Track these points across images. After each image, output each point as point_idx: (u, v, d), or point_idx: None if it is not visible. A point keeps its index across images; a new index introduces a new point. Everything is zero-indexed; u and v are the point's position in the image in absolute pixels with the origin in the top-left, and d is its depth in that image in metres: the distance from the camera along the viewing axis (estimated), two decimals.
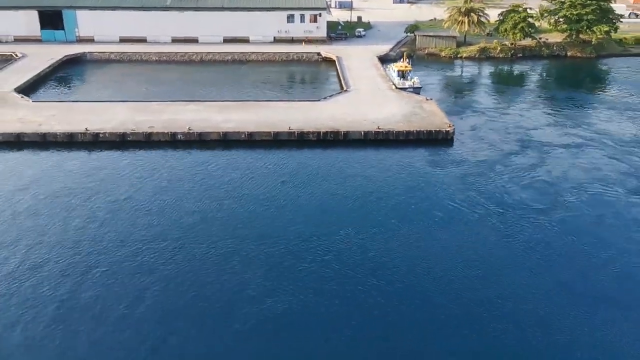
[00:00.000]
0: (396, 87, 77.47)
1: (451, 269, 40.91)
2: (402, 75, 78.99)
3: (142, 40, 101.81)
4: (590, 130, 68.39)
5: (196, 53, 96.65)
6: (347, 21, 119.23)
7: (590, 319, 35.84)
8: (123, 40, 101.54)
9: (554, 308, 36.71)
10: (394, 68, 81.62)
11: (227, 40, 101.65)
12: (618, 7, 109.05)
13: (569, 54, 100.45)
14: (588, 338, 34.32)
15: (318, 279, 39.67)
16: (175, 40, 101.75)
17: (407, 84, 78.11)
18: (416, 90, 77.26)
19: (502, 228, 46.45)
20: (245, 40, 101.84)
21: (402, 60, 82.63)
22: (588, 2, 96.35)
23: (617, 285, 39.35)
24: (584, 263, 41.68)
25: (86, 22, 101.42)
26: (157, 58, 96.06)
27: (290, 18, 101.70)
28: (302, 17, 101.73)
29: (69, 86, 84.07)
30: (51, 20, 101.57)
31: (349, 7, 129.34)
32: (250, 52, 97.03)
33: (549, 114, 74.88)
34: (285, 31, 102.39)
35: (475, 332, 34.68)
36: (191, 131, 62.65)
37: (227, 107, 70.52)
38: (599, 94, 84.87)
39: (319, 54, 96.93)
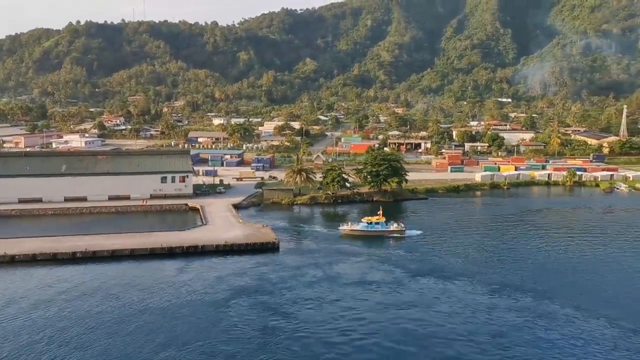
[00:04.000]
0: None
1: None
2: (382, 223, 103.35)
3: (38, 200, 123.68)
4: (380, 254, 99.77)
5: (86, 207, 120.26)
6: (212, 183, 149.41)
7: None
8: (21, 200, 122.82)
9: None
10: (367, 221, 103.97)
11: (111, 198, 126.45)
12: None
13: (374, 199, 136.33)
14: None
15: None
16: (67, 199, 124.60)
17: (394, 226, 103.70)
18: (401, 232, 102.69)
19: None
20: (126, 197, 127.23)
21: (378, 214, 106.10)
22: (382, 162, 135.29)
23: None
24: None
25: None
26: (52, 212, 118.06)
27: (163, 179, 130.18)
28: (173, 178, 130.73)
29: None
30: None
31: (214, 174, 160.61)
32: (131, 205, 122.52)
33: (357, 238, 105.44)
34: (160, 189, 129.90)
35: None
36: (87, 250, 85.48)
37: (114, 236, 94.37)
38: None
39: (186, 204, 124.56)
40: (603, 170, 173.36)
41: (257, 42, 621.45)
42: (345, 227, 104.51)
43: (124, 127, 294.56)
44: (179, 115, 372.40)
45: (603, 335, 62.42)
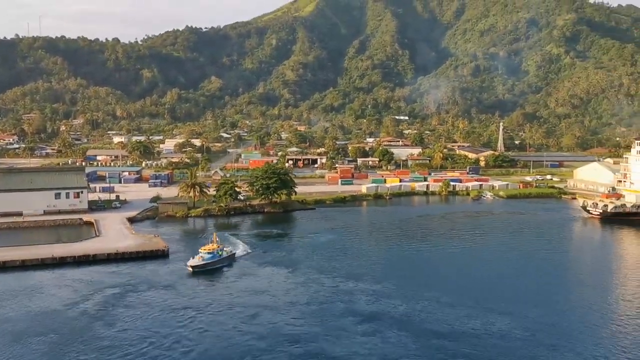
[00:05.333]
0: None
1: None
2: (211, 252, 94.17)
3: None
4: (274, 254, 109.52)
5: None
6: (108, 199, 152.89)
7: None
8: None
9: None
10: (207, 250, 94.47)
11: (3, 214, 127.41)
12: None
13: (266, 210, 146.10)
14: None
15: None
16: None
17: (228, 252, 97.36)
18: (232, 257, 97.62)
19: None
20: (19, 214, 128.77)
21: (214, 240, 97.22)
22: (272, 175, 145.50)
23: None
24: None
25: None
26: None
27: (57, 195, 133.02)
28: (68, 194, 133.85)
29: None
30: None
31: (110, 190, 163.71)
32: (23, 221, 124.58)
33: (243, 240, 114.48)
34: (54, 205, 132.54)
35: None
36: None
37: (6, 249, 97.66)
38: (281, 232, 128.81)
39: (81, 219, 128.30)
40: (475, 180, 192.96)
41: (161, 60, 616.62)
42: (193, 262, 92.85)
43: (17, 146, 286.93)
44: (78, 133, 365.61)
45: (415, 307, 76.40)
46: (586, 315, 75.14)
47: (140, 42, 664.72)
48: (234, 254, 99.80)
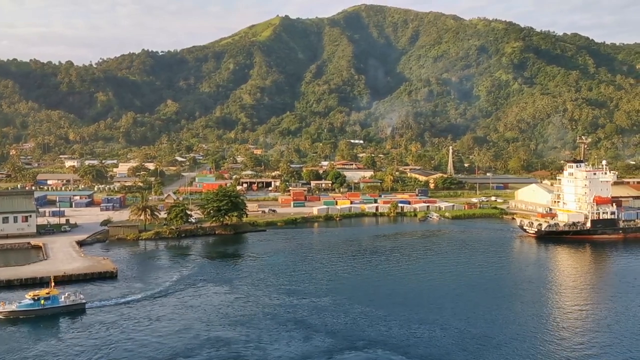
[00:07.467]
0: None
1: None
2: (54, 297, 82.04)
3: None
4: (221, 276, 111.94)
5: None
6: (57, 223, 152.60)
7: None
8: None
9: None
10: (33, 297, 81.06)
11: None
12: None
13: (217, 232, 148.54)
14: None
15: None
16: None
17: (70, 300, 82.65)
18: (79, 305, 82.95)
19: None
20: None
21: (51, 286, 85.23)
22: (223, 198, 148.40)
23: None
24: None
25: None
26: None
27: (5, 219, 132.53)
28: (15, 218, 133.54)
29: None
30: None
31: (60, 214, 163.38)
32: None
33: (193, 262, 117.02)
34: (1, 229, 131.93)
35: None
36: None
37: None
38: (230, 253, 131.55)
39: (28, 243, 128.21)
40: (423, 202, 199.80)
41: (116, 83, 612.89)
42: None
43: None
44: (29, 157, 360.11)
45: (350, 315, 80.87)
46: (513, 325, 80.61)
47: (95, 65, 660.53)
48: (83, 303, 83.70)
